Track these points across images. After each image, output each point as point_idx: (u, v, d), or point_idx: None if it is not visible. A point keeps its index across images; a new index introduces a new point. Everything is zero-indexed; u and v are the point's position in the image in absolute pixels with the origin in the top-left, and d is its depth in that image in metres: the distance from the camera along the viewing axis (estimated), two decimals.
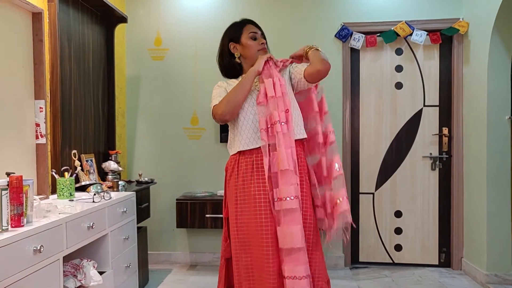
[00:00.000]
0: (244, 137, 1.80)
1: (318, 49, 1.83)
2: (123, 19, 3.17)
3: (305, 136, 1.87)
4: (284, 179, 1.67)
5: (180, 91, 3.61)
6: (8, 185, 1.49)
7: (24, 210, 1.56)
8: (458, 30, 3.27)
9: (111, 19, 3.13)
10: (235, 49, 1.92)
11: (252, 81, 1.80)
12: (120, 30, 3.45)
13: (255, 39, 1.90)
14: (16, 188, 1.50)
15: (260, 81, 1.82)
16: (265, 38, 1.95)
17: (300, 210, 1.68)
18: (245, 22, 1.94)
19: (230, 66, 1.94)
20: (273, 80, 1.77)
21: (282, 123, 1.70)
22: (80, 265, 1.95)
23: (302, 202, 1.74)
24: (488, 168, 2.97)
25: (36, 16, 2.25)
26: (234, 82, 1.92)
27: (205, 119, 3.57)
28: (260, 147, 1.76)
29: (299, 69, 1.86)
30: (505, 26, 2.86)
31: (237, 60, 1.92)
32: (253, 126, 1.80)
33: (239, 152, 1.83)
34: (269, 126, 1.73)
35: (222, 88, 1.91)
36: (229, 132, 1.91)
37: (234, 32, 1.93)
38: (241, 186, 1.80)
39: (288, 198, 1.65)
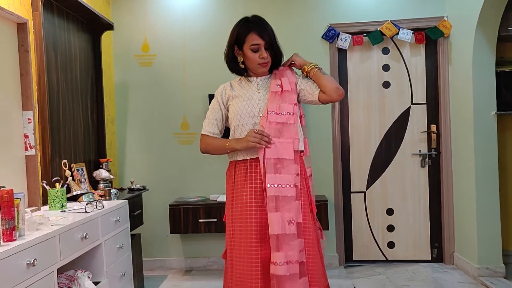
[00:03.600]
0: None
1: (321, 69, 1.84)
2: (109, 26, 3.15)
3: (303, 149, 1.89)
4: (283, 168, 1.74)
5: (169, 96, 3.60)
6: None
7: (16, 224, 1.54)
8: (443, 33, 3.33)
9: (97, 27, 3.11)
10: (238, 54, 1.88)
11: (232, 151, 1.84)
12: (106, 37, 3.43)
13: (257, 51, 1.82)
14: (7, 202, 1.49)
15: (271, 87, 1.84)
16: (272, 46, 1.84)
17: (290, 199, 1.73)
18: (250, 29, 1.82)
19: (233, 66, 1.93)
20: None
21: (288, 113, 1.79)
22: (74, 276, 1.93)
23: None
24: (476, 163, 3.02)
25: (21, 27, 2.23)
26: (237, 87, 1.90)
27: (195, 124, 3.56)
28: (253, 158, 1.81)
29: (312, 90, 1.85)
30: (489, 23, 2.92)
31: (240, 65, 1.89)
32: None
33: (236, 161, 1.87)
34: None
35: (218, 100, 1.91)
36: (229, 136, 1.91)
37: (240, 36, 1.83)
38: (236, 192, 1.84)
39: (276, 185, 1.73)
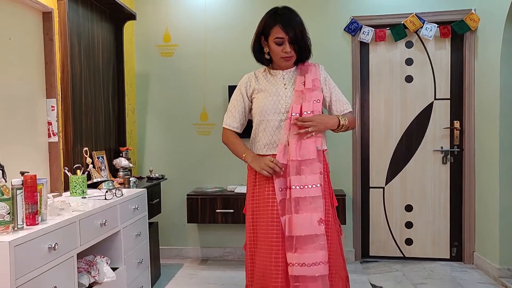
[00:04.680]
0: (264, 142, 1.83)
1: (346, 125, 1.85)
2: (132, 16, 3.18)
3: (326, 148, 1.88)
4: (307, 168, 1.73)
5: (189, 87, 3.62)
6: (22, 184, 1.52)
7: (38, 208, 1.59)
8: (469, 28, 3.21)
9: (120, 16, 3.14)
10: (264, 45, 1.85)
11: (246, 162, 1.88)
12: (129, 27, 3.46)
13: (280, 44, 1.78)
14: (30, 187, 1.53)
15: (296, 88, 1.82)
16: (297, 41, 1.78)
17: (316, 199, 1.71)
18: (276, 21, 1.77)
19: (258, 56, 1.90)
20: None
21: (306, 112, 1.76)
22: (93, 262, 1.98)
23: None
24: (500, 162, 2.93)
25: (47, 15, 2.27)
26: (262, 80, 1.88)
27: (214, 114, 3.58)
28: (274, 154, 1.80)
29: (337, 113, 1.90)
30: None
31: (266, 56, 1.86)
32: (276, 132, 1.81)
33: (258, 154, 1.86)
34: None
35: (241, 91, 1.89)
36: (253, 129, 1.91)
37: (266, 28, 1.80)
38: (257, 184, 1.84)
39: (302, 186, 1.72)
